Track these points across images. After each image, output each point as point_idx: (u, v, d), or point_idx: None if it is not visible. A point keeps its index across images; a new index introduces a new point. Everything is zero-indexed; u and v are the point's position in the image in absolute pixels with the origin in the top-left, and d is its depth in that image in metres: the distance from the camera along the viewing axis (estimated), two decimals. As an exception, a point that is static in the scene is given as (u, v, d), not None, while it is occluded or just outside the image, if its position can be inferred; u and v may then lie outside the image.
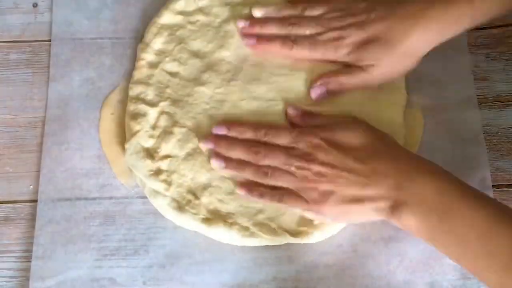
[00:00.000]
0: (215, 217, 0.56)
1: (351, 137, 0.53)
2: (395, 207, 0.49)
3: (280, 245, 0.56)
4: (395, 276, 0.55)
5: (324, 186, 0.52)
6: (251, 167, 0.55)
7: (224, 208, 0.56)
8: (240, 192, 0.56)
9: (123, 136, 0.60)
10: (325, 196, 0.52)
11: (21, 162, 0.60)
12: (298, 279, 0.55)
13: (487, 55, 0.64)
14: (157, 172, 0.57)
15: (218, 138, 0.57)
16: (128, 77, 0.62)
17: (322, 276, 0.55)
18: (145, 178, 0.57)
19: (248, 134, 0.57)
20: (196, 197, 0.57)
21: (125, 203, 0.58)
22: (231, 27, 0.63)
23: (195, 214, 0.56)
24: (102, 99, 0.62)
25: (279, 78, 0.60)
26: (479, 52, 0.64)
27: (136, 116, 0.59)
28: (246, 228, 0.55)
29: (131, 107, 0.60)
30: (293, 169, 0.53)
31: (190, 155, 0.58)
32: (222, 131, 0.57)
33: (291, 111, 0.58)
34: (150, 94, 0.60)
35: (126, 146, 0.58)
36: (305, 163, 0.53)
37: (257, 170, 0.55)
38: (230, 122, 0.58)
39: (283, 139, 0.55)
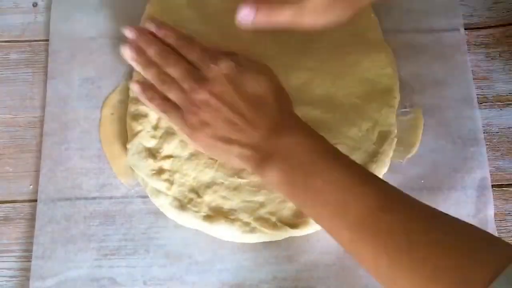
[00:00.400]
0: (216, 214, 0.56)
1: (254, 84, 0.54)
2: (262, 159, 0.51)
3: (280, 244, 0.56)
4: (395, 276, 0.55)
5: (204, 116, 0.53)
6: (155, 70, 0.56)
7: (226, 204, 0.56)
8: (134, 87, 0.57)
9: (123, 136, 0.60)
10: (201, 125, 0.53)
11: (21, 161, 0.60)
12: (298, 278, 0.55)
13: (487, 55, 0.64)
14: (159, 172, 0.57)
15: (142, 31, 0.58)
16: (128, 77, 0.62)
17: (322, 276, 0.55)
18: (147, 177, 0.57)
19: (171, 40, 0.57)
20: (198, 195, 0.56)
21: (125, 203, 0.58)
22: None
23: (196, 212, 0.56)
24: (102, 99, 0.61)
25: None
26: (479, 52, 0.64)
27: (137, 117, 0.59)
28: (247, 224, 0.55)
29: (132, 108, 0.60)
30: (185, 86, 0.54)
31: (193, 155, 0.58)
32: (151, 27, 0.58)
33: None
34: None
35: (128, 146, 0.58)
36: (197, 86, 0.54)
37: (158, 74, 0.56)
38: (165, 24, 0.59)
39: (193, 55, 0.56)
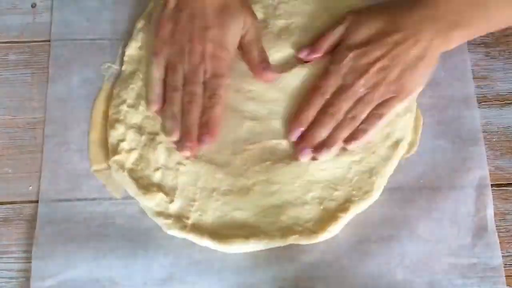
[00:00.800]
0: (225, 229, 0.55)
1: (365, 29, 0.58)
2: (449, 32, 0.56)
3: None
4: (395, 276, 0.55)
5: (394, 72, 0.56)
6: (340, 128, 0.57)
7: (237, 214, 0.56)
8: (350, 145, 0.57)
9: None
10: (400, 78, 0.56)
11: (20, 163, 0.60)
12: (298, 278, 0.55)
13: (486, 54, 0.64)
14: (148, 189, 0.56)
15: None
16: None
17: (322, 276, 0.55)
18: (136, 196, 0.57)
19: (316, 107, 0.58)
20: (201, 209, 0.56)
21: (125, 204, 0.58)
22: None
23: (200, 232, 0.55)
24: (102, 100, 0.62)
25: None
26: (479, 51, 0.64)
27: (116, 122, 0.59)
28: (265, 236, 0.55)
29: (111, 110, 0.60)
30: (362, 91, 0.57)
31: (184, 163, 0.57)
32: (299, 131, 0.58)
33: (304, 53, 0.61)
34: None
35: (109, 163, 0.58)
36: (364, 77, 0.56)
37: (344, 123, 0.57)
38: (298, 119, 0.58)
39: (332, 84, 0.58)
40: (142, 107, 0.59)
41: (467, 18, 0.56)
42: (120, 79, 0.61)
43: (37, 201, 0.58)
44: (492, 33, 0.64)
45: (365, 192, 0.56)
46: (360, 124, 0.57)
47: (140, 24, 0.63)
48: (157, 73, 0.59)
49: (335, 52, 0.59)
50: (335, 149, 0.57)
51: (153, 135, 0.58)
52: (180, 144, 0.57)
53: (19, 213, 0.58)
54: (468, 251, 0.55)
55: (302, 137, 0.58)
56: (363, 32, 0.58)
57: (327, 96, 0.58)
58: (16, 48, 0.64)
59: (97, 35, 0.64)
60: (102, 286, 0.55)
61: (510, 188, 0.58)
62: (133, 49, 0.62)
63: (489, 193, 0.57)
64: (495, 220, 0.57)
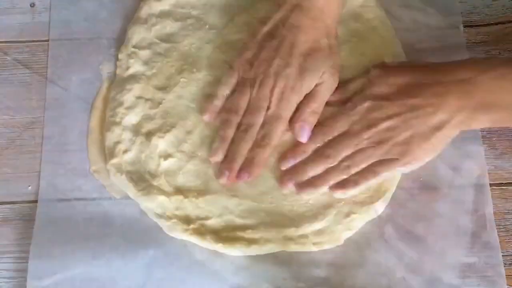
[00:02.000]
0: (227, 232, 0.55)
1: (387, 85, 0.55)
2: (475, 112, 0.52)
3: (280, 244, 0.56)
4: (395, 275, 0.55)
5: (403, 135, 0.54)
6: (332, 172, 0.56)
7: (237, 221, 0.56)
8: (336, 193, 0.56)
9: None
10: (408, 143, 0.54)
11: (19, 163, 0.60)
12: (298, 278, 0.55)
13: (486, 52, 0.63)
14: (148, 190, 0.56)
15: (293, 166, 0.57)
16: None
17: (322, 276, 0.55)
18: (136, 198, 0.57)
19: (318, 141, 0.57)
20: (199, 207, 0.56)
21: (124, 203, 0.58)
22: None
23: (202, 235, 0.55)
24: (101, 100, 0.62)
25: None
26: (479, 49, 0.63)
27: (112, 125, 0.59)
28: (268, 242, 0.55)
29: (108, 114, 0.60)
30: (365, 143, 0.55)
31: (181, 163, 0.58)
32: (291, 162, 0.57)
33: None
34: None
35: (108, 167, 0.58)
36: (372, 130, 0.54)
37: (337, 168, 0.55)
38: (294, 151, 0.57)
39: (338, 127, 0.56)
40: (138, 109, 0.59)
41: (500, 103, 0.52)
42: (115, 83, 0.61)
43: (36, 201, 0.58)
44: (492, 31, 0.64)
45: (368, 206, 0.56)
46: (352, 175, 0.55)
47: (134, 34, 0.62)
48: (225, 88, 0.58)
49: (352, 98, 0.57)
50: (319, 190, 0.56)
51: (150, 136, 0.58)
52: (220, 169, 0.57)
53: (18, 213, 0.58)
54: (467, 250, 0.55)
55: (291, 168, 0.57)
56: (384, 87, 0.56)
57: (329, 137, 0.56)
58: (15, 48, 0.64)
59: (95, 35, 0.64)
60: (101, 285, 0.55)
61: (510, 187, 0.58)
62: (124, 55, 0.62)
63: (488, 192, 0.57)
64: (494, 219, 0.56)
